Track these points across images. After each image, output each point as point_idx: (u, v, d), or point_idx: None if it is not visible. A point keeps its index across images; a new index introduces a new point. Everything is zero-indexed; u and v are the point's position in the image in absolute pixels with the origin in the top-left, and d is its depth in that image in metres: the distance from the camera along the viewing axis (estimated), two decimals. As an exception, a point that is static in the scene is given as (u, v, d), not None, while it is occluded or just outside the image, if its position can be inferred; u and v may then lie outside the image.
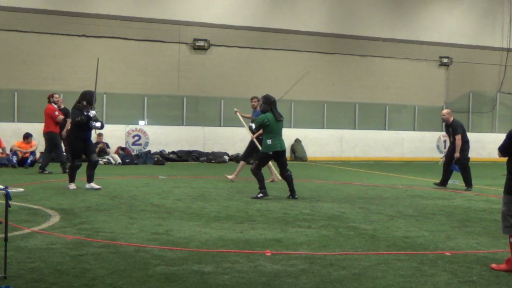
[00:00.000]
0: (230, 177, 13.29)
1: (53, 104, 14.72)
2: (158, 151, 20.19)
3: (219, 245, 6.59)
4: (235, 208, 9.40)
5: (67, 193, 10.61)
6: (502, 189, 6.00)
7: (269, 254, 6.21)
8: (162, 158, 19.22)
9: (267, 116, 10.57)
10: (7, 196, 5.25)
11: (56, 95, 15.07)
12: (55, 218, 8.00)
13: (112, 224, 7.69)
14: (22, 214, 8.19)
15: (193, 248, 6.39)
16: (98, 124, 11.30)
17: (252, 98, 13.94)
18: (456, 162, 12.86)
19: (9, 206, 5.31)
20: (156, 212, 8.75)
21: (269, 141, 10.59)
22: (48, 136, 14.65)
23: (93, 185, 11.28)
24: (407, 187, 13.28)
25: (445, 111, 13.53)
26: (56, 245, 6.33)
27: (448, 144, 13.86)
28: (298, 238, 7.12)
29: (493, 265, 5.91)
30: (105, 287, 4.91)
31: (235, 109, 14.12)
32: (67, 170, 14.30)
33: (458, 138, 12.77)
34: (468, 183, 12.93)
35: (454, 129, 12.87)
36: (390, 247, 6.77)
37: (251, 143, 13.24)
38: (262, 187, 10.61)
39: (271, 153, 10.72)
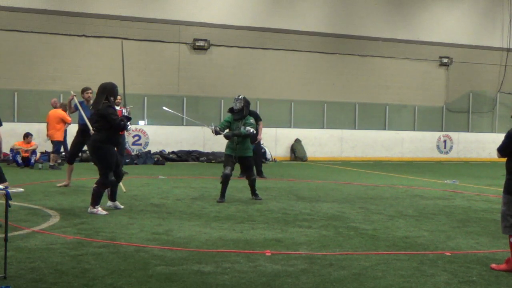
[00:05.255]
0: (63, 183, 11.66)
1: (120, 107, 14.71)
2: (158, 151, 20.18)
3: (219, 245, 6.58)
4: (235, 208, 9.40)
5: (67, 193, 10.59)
6: (502, 189, 6.00)
7: (269, 254, 6.21)
8: (162, 158, 19.21)
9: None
10: (7, 196, 5.25)
11: (118, 97, 14.57)
12: (55, 218, 8.00)
13: (112, 224, 7.69)
14: (22, 214, 8.19)
15: (193, 248, 6.39)
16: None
17: (87, 90, 11.66)
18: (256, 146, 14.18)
19: (9, 206, 5.31)
20: (156, 212, 8.74)
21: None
22: None
23: (118, 204, 9.06)
24: (407, 187, 13.28)
25: (241, 96, 14.72)
26: (56, 245, 6.33)
27: None
28: (298, 238, 7.12)
29: (493, 265, 5.90)
30: (105, 287, 4.91)
31: (72, 92, 11.65)
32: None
33: (261, 123, 14.67)
34: (259, 172, 14.51)
35: (256, 117, 14.01)
36: (390, 247, 6.77)
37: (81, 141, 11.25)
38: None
39: None
